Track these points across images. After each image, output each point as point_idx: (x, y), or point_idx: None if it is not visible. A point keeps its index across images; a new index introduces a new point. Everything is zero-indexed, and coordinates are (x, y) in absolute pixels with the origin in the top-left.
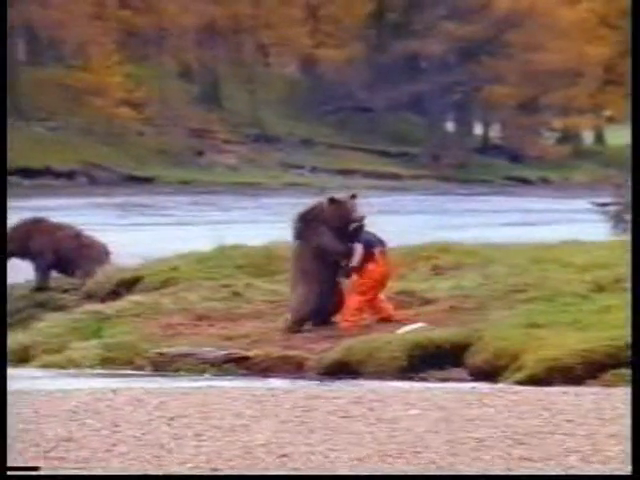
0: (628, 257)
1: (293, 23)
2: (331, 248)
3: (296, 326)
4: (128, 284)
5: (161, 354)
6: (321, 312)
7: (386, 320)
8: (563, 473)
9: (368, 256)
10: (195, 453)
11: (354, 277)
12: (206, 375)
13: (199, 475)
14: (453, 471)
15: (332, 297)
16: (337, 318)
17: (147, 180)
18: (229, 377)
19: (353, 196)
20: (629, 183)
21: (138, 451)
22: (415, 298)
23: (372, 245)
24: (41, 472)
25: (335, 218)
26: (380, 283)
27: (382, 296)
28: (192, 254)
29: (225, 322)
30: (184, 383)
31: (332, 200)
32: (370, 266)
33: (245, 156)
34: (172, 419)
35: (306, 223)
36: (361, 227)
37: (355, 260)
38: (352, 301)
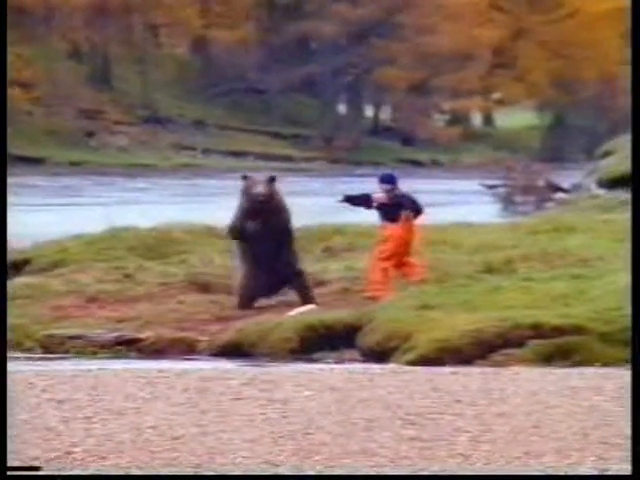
0: (520, 238)
1: (184, 4)
2: (229, 227)
3: (243, 304)
4: (16, 266)
5: (51, 336)
6: (274, 289)
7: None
8: (559, 473)
9: (404, 220)
10: (85, 436)
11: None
12: (97, 357)
13: (201, 475)
14: (343, 452)
15: (279, 273)
16: (365, 289)
17: (37, 161)
18: (120, 359)
19: (272, 178)
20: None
21: (27, 434)
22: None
23: (399, 209)
24: (41, 472)
25: (244, 195)
26: (403, 247)
27: (412, 260)
28: (83, 236)
29: (116, 304)
30: (74, 365)
31: (244, 177)
32: (389, 232)
33: (136, 137)
34: (61, 402)
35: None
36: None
37: (377, 196)
38: (375, 270)
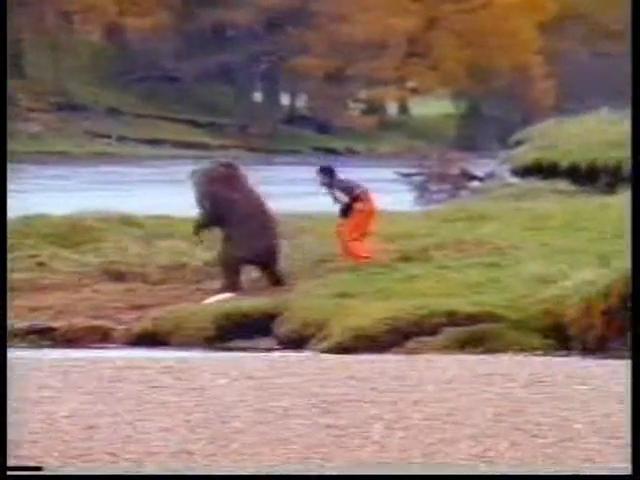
0: (435, 226)
1: None
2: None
3: (227, 284)
4: None
5: None
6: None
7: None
8: (561, 473)
9: (354, 198)
10: None
11: (345, 221)
12: (10, 347)
13: (200, 475)
14: (260, 440)
15: (256, 251)
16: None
17: None
18: (34, 348)
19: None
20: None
21: None
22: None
23: (352, 188)
24: (41, 472)
25: (219, 181)
26: (369, 220)
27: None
28: None
29: (29, 293)
30: None
31: (228, 165)
32: (358, 206)
33: (50, 124)
34: None
35: (205, 181)
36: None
37: (342, 202)
38: (358, 248)
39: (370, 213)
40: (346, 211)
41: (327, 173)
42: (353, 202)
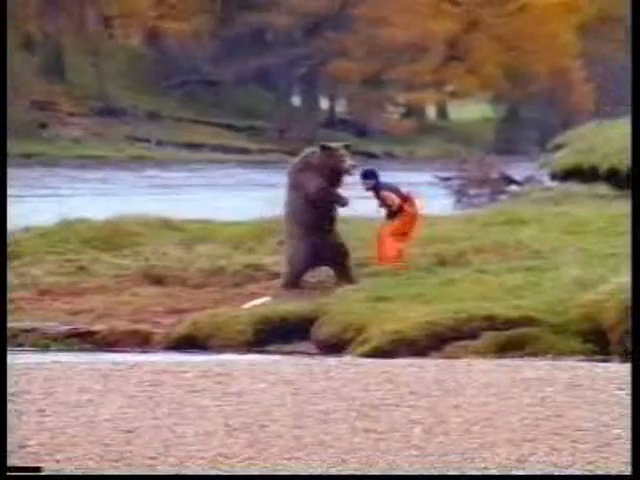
0: (473, 230)
1: None
2: (320, 195)
3: (292, 281)
4: None
5: None
6: (318, 265)
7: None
8: (563, 474)
9: (403, 199)
10: (38, 429)
11: (389, 222)
12: (50, 350)
13: (200, 475)
14: (298, 444)
15: (327, 250)
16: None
17: None
18: (74, 352)
19: (346, 146)
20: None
21: None
22: (263, 272)
23: (399, 189)
24: (41, 472)
25: (325, 166)
26: (413, 223)
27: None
28: (36, 228)
29: (70, 296)
30: (27, 358)
31: (323, 147)
32: (407, 206)
33: (90, 129)
34: (14, 395)
35: (297, 172)
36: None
37: (395, 203)
38: (391, 247)
39: (415, 216)
40: (394, 213)
41: (371, 176)
42: (403, 203)
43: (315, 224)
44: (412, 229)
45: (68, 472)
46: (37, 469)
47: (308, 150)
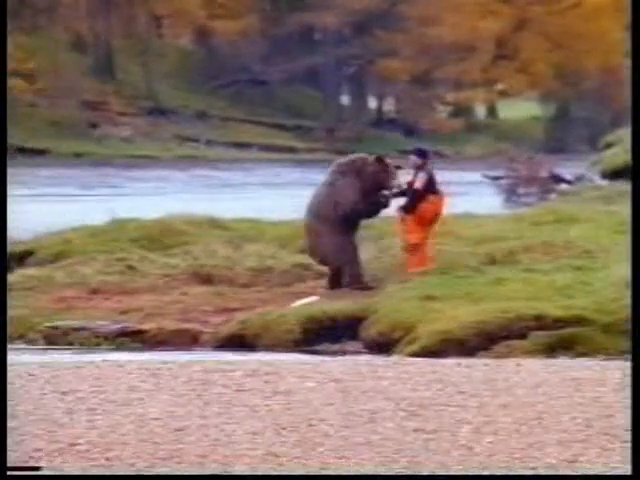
0: (523, 229)
1: None
2: (349, 210)
3: (356, 275)
4: (19, 258)
5: (54, 327)
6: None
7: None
8: (560, 473)
9: (433, 192)
10: (89, 427)
11: (408, 217)
12: (100, 349)
13: (199, 475)
14: (346, 444)
15: (354, 248)
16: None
17: (39, 152)
18: (123, 350)
19: (398, 167)
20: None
21: (30, 426)
22: (311, 271)
23: (436, 183)
24: (41, 472)
25: (373, 176)
26: (434, 218)
27: (427, 248)
28: (86, 227)
29: (119, 295)
30: (77, 357)
31: (379, 159)
32: (432, 198)
33: (140, 128)
34: (65, 393)
35: (339, 173)
36: (393, 195)
37: (419, 185)
38: (408, 227)
39: (437, 211)
40: (416, 201)
41: (422, 155)
42: (430, 193)
43: (343, 224)
44: (431, 223)
45: (68, 472)
46: (37, 469)
47: (358, 155)
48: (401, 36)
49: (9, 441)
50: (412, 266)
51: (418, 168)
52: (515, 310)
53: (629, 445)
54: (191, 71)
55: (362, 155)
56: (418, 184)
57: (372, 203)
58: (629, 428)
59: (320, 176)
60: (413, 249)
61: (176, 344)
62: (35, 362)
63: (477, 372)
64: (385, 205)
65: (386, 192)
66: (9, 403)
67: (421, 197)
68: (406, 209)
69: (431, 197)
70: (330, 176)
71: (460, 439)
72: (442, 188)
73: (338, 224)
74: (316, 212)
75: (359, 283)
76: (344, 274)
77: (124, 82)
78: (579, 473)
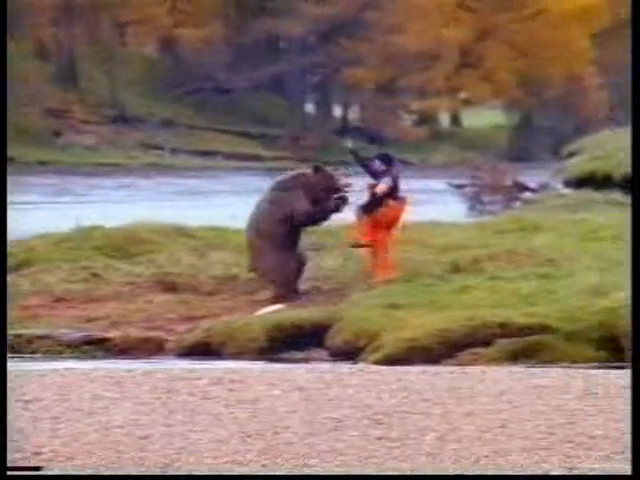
0: (487, 237)
1: (151, 2)
2: (304, 219)
3: (283, 292)
4: None
5: (17, 336)
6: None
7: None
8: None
9: (395, 198)
10: (52, 436)
11: (364, 218)
12: (64, 357)
13: (199, 475)
14: (311, 452)
15: (296, 264)
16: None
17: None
18: (88, 359)
19: (336, 169)
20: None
21: None
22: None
23: (398, 189)
24: (41, 472)
25: (319, 186)
26: (386, 227)
27: (388, 256)
28: (50, 235)
29: (84, 304)
30: (41, 365)
31: (317, 168)
32: (391, 203)
33: (104, 136)
34: (29, 402)
35: (284, 190)
36: (344, 197)
37: (380, 189)
38: (364, 230)
39: (397, 215)
40: (375, 203)
41: (387, 161)
42: (391, 199)
43: (285, 240)
44: (387, 228)
45: (68, 472)
46: (37, 469)
47: (296, 170)
48: (366, 44)
49: None
50: (379, 274)
51: (382, 173)
52: (480, 318)
53: (592, 452)
54: (156, 79)
55: (300, 170)
56: (379, 189)
57: (324, 209)
58: (629, 431)
59: None
60: (357, 247)
61: (141, 352)
62: None
63: (442, 380)
64: (337, 209)
65: (336, 196)
66: None
67: (381, 201)
68: (364, 209)
69: (391, 202)
70: (270, 194)
71: (424, 447)
72: (404, 195)
73: (282, 240)
74: (257, 229)
75: (285, 301)
76: (272, 290)
77: (88, 90)
78: (579, 473)
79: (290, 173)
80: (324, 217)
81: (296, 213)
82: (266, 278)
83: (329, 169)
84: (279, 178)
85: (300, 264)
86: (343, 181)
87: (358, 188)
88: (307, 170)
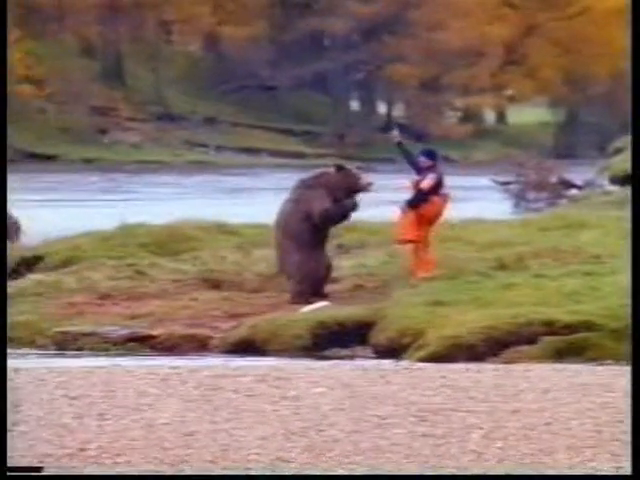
0: (532, 234)
1: (196, 0)
2: (323, 218)
3: (302, 294)
4: (29, 263)
5: (64, 333)
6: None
7: (404, 243)
8: (559, 473)
9: (438, 194)
10: (98, 432)
11: (408, 213)
12: (110, 354)
13: (199, 475)
14: (356, 449)
15: (323, 264)
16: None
17: (49, 158)
18: (133, 356)
19: (358, 167)
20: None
21: (39, 431)
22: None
23: (442, 185)
24: (41, 472)
25: (341, 185)
26: (429, 223)
27: (428, 253)
28: (95, 232)
29: (129, 301)
30: (87, 362)
31: (340, 167)
32: (436, 199)
33: (149, 134)
34: (75, 398)
35: (306, 188)
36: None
37: (426, 185)
38: (406, 222)
39: (438, 212)
40: (419, 200)
41: (431, 157)
42: (435, 194)
43: (310, 239)
44: (430, 223)
45: (67, 472)
46: (37, 469)
47: (320, 169)
48: (409, 42)
49: (21, 445)
50: (420, 271)
51: (427, 169)
52: (524, 315)
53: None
54: (200, 77)
55: (323, 169)
56: (425, 184)
57: (342, 207)
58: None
59: None
60: (404, 243)
61: (185, 349)
62: (45, 367)
63: (486, 377)
64: (354, 208)
65: (353, 199)
66: (20, 408)
67: (425, 197)
68: (409, 205)
69: (435, 199)
70: (294, 192)
71: (470, 444)
72: (448, 192)
73: (306, 239)
74: (283, 228)
75: (299, 301)
76: (292, 288)
77: (133, 88)
78: (579, 473)
79: (313, 173)
80: (344, 216)
81: (315, 211)
82: (291, 277)
83: (352, 168)
84: (303, 177)
85: (326, 266)
86: (365, 180)
87: (393, 186)
88: (330, 169)
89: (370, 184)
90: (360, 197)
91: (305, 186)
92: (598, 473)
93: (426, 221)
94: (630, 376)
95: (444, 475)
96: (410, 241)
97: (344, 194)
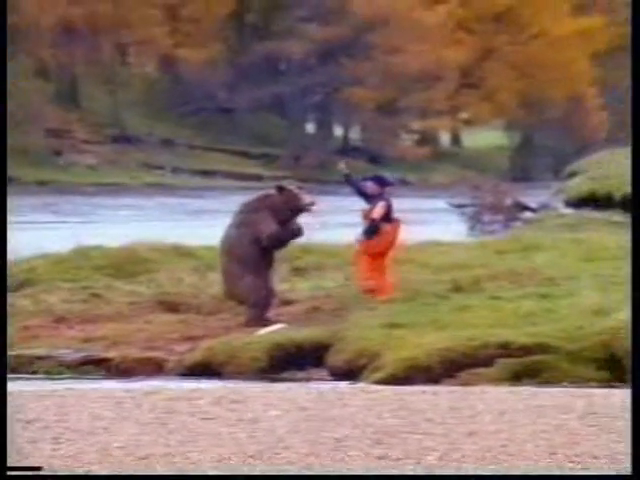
0: (488, 257)
1: (152, 23)
2: (272, 240)
3: (258, 317)
4: None
5: (18, 356)
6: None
7: (369, 292)
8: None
9: (390, 221)
10: (52, 456)
11: (365, 241)
12: (64, 377)
13: (199, 475)
14: (313, 472)
15: (272, 287)
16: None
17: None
18: (88, 379)
19: (299, 187)
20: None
21: None
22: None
23: (392, 211)
24: (41, 472)
25: (284, 206)
26: (384, 254)
27: (386, 276)
28: (50, 255)
29: (84, 324)
30: (41, 385)
31: (281, 188)
32: (388, 229)
33: (105, 156)
34: (29, 422)
35: (250, 212)
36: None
37: (377, 214)
38: (363, 263)
39: (392, 241)
40: (373, 230)
41: (382, 183)
42: (386, 222)
43: (258, 262)
44: (388, 253)
45: (68, 472)
46: (37, 469)
47: (260, 192)
48: (367, 65)
49: None
50: (377, 294)
51: (377, 197)
52: (480, 337)
53: (593, 473)
54: (157, 99)
55: (264, 191)
56: (375, 214)
57: (289, 230)
58: (596, 451)
59: None
60: (368, 294)
61: (141, 372)
62: None
63: (442, 400)
64: (298, 234)
65: (298, 221)
66: None
67: (377, 227)
68: (364, 235)
69: (387, 227)
70: (238, 217)
71: (425, 466)
72: (398, 217)
73: (256, 262)
74: (230, 253)
75: (255, 324)
76: (246, 313)
77: (88, 110)
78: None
79: (254, 196)
80: (292, 238)
81: (263, 234)
82: (243, 301)
83: (293, 188)
84: (245, 201)
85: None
86: (308, 200)
87: (323, 206)
88: (271, 191)
89: (312, 203)
90: (318, 219)
91: (249, 210)
92: (598, 473)
93: (380, 254)
94: (630, 375)
95: (445, 475)
96: (372, 290)
97: (288, 215)
